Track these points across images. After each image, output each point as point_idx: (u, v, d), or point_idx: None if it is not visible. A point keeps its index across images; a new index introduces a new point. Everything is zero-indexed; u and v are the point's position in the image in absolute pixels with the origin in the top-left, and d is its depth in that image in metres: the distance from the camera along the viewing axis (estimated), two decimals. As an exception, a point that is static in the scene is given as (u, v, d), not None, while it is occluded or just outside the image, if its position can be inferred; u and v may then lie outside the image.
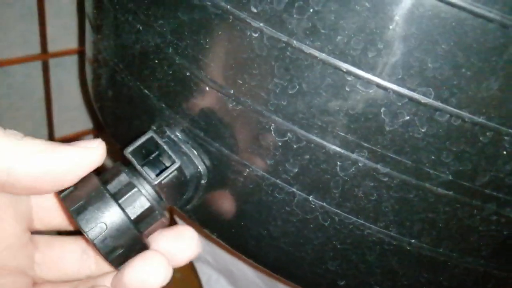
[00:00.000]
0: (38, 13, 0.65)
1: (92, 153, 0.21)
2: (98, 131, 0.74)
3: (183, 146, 0.25)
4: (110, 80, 0.30)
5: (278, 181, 0.23)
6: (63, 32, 0.70)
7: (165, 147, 0.24)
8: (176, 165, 0.23)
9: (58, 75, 0.72)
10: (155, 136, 0.24)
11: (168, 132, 0.25)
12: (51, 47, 0.68)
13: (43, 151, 0.20)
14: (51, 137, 0.76)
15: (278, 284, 0.60)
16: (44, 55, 0.68)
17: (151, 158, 0.24)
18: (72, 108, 0.79)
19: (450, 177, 0.20)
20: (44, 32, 0.66)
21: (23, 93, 0.69)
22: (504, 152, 0.19)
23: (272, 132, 0.22)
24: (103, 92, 0.32)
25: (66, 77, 0.74)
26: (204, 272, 0.69)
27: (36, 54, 0.67)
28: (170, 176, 0.23)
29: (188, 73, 0.23)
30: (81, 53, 0.73)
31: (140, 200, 0.23)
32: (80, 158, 0.21)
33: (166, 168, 0.24)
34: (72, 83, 0.75)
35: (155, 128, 0.26)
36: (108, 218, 0.21)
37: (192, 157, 0.25)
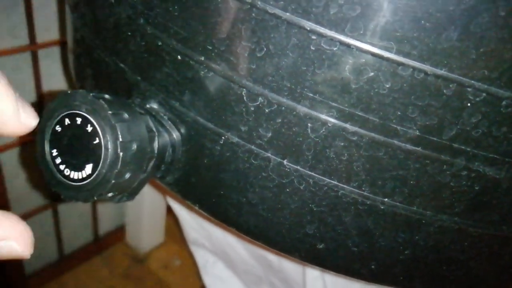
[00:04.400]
0: (25, 4, 0.65)
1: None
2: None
3: (159, 118, 0.25)
4: (89, 57, 0.30)
5: (253, 147, 0.23)
6: (51, 22, 0.70)
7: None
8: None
9: (48, 66, 0.72)
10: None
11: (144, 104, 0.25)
12: (40, 38, 0.68)
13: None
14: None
15: (273, 265, 0.60)
16: (33, 46, 0.68)
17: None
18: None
19: (418, 133, 0.20)
20: (32, 23, 0.66)
21: (13, 85, 0.70)
22: (469, 104, 0.19)
23: (244, 98, 0.22)
24: (84, 72, 0.32)
25: (56, 68, 0.74)
26: (201, 256, 0.69)
27: (25, 45, 0.67)
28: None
29: (159, 43, 0.23)
30: (63, 44, 0.73)
31: None
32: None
33: None
34: (62, 73, 0.75)
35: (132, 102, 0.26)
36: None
37: (165, 125, 0.25)
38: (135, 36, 0.24)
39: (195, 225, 0.65)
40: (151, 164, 0.24)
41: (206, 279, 0.70)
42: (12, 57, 0.67)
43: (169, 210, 1.06)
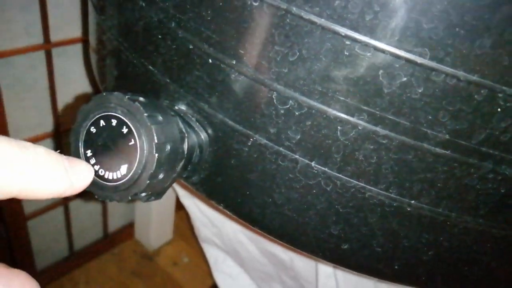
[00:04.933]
0: (40, 3, 0.65)
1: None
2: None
3: (187, 119, 0.26)
4: (115, 59, 0.30)
5: (281, 148, 0.24)
6: (65, 21, 0.70)
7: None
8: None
9: (61, 64, 0.73)
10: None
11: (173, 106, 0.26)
12: (54, 37, 0.69)
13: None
14: (56, 126, 0.77)
15: (284, 263, 0.61)
16: (47, 45, 0.69)
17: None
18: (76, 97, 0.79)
19: (447, 136, 0.20)
20: (46, 22, 0.67)
21: (27, 84, 0.70)
22: (499, 109, 0.19)
23: (274, 100, 0.23)
24: (109, 73, 0.33)
25: (69, 66, 0.74)
26: (212, 254, 0.70)
27: (39, 44, 0.68)
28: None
29: (191, 46, 0.24)
30: (85, 42, 0.73)
31: None
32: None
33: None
34: (76, 72, 0.76)
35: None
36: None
37: (194, 126, 0.25)
38: (166, 39, 0.25)
39: (206, 223, 0.66)
40: (181, 164, 0.24)
41: (217, 276, 0.71)
42: (26, 55, 0.68)
43: (177, 208, 1.07)
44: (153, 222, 1.01)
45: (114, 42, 0.29)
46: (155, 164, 0.21)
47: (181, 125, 0.24)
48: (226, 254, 0.68)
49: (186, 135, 0.24)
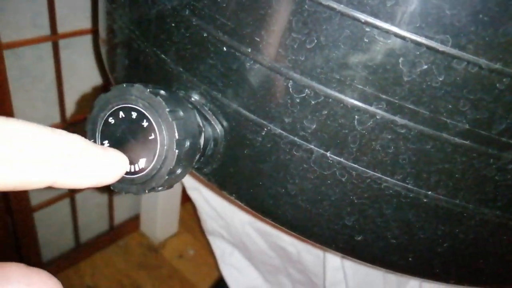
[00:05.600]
0: (47, -7, 0.65)
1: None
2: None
3: (200, 109, 0.25)
4: (126, 48, 0.30)
5: (296, 138, 0.24)
6: (72, 12, 0.70)
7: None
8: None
9: (68, 56, 0.73)
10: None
11: (186, 96, 0.26)
12: (61, 28, 0.69)
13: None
14: (63, 118, 0.77)
15: (292, 256, 0.61)
16: (54, 37, 0.69)
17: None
18: (83, 88, 0.79)
19: (467, 126, 0.20)
20: (53, 14, 0.67)
21: (34, 75, 0.70)
22: (521, 98, 0.19)
23: (290, 89, 0.22)
24: (119, 62, 0.32)
25: (76, 58, 0.74)
26: (218, 247, 0.70)
27: (46, 35, 0.68)
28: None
29: (205, 34, 0.23)
30: (94, 32, 0.73)
31: None
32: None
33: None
34: (83, 63, 0.76)
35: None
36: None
37: (210, 119, 0.25)
38: (179, 27, 0.24)
39: (214, 215, 0.66)
40: (197, 158, 0.24)
41: (224, 269, 0.71)
42: (33, 47, 0.68)
43: (183, 200, 1.07)
44: (159, 215, 1.01)
45: (125, 31, 0.29)
46: (175, 160, 0.20)
47: (198, 119, 0.24)
48: (233, 247, 0.68)
49: (203, 129, 0.24)
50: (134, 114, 0.21)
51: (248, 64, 0.23)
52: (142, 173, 0.21)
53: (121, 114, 0.21)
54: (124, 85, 0.21)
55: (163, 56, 0.26)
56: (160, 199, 1.00)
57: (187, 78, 0.26)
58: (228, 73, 0.24)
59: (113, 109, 0.21)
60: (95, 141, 0.22)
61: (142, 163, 0.21)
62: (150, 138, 0.20)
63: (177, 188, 1.00)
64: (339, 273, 0.53)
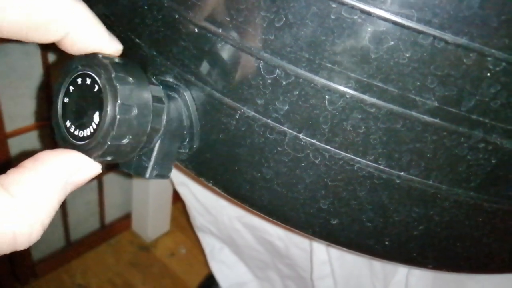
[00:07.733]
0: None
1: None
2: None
3: (174, 93, 0.25)
4: (103, 35, 0.30)
5: (269, 121, 0.23)
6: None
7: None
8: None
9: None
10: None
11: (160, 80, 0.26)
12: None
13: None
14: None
15: (280, 251, 0.61)
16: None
17: None
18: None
19: (436, 104, 0.20)
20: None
21: (22, 72, 0.70)
22: (488, 74, 0.19)
23: (261, 70, 0.22)
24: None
25: (65, 54, 0.74)
26: (208, 243, 0.70)
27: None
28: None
29: (177, 15, 0.23)
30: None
31: None
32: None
33: None
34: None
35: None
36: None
37: (184, 104, 0.25)
38: (152, 10, 0.24)
39: (202, 211, 0.66)
40: (158, 136, 0.24)
41: (213, 264, 0.71)
42: (20, 42, 0.67)
43: (175, 199, 1.07)
44: (150, 213, 1.01)
45: (101, 17, 0.29)
46: (116, 125, 0.20)
47: (162, 96, 0.24)
48: (223, 242, 0.68)
49: (165, 106, 0.24)
50: (88, 81, 0.21)
51: (219, 45, 0.23)
52: (88, 140, 0.21)
53: (79, 81, 0.21)
54: (84, 54, 0.21)
55: (137, 40, 0.26)
56: (152, 197, 0.99)
57: (161, 62, 0.25)
58: (200, 55, 0.24)
59: (73, 77, 0.21)
60: (56, 110, 0.22)
61: (91, 129, 0.21)
62: (98, 103, 0.21)
63: (168, 186, 0.99)
64: (326, 267, 0.53)
